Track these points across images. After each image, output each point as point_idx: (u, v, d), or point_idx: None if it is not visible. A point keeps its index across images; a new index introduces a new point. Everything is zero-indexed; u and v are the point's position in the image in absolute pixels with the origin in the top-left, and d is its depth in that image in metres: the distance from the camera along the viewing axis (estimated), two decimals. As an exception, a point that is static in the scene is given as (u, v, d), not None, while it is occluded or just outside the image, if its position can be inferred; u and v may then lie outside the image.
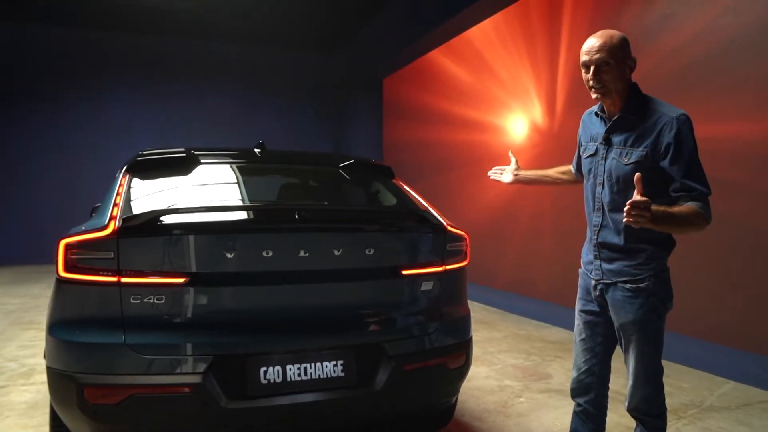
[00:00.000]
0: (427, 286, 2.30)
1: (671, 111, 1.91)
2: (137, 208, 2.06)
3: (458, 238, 2.42)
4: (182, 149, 2.62)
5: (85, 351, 1.90)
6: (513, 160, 2.55)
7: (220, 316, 2.01)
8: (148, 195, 2.26)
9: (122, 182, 2.29)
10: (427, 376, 2.24)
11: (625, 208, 1.74)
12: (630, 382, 2.05)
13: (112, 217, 2.00)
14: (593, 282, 2.09)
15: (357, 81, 10.39)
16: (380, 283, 2.23)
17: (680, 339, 4.28)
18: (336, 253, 2.10)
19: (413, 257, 2.30)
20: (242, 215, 2.16)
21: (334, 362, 2.07)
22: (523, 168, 2.55)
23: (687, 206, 1.85)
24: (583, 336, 2.17)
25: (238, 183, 2.55)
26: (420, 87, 9.09)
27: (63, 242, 1.94)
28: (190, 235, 1.97)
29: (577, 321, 2.21)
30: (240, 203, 2.38)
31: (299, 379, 2.01)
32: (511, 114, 6.83)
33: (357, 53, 10.25)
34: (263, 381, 1.97)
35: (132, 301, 1.91)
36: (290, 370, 2.01)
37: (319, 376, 2.03)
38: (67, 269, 1.93)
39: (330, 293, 2.15)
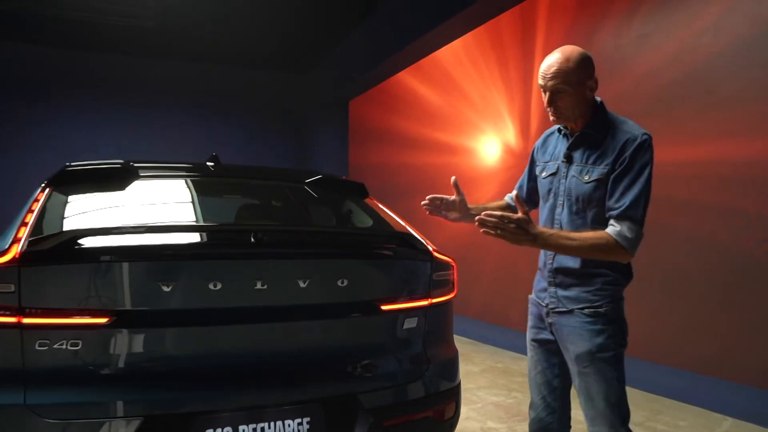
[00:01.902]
0: (410, 323, 1.93)
1: (636, 129, 1.78)
2: (50, 229, 1.64)
3: (446, 266, 2.07)
4: (119, 161, 2.21)
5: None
6: (459, 191, 2.00)
7: (154, 366, 1.58)
8: (69, 214, 1.84)
9: (38, 198, 1.86)
10: (413, 432, 1.86)
11: (481, 215, 1.62)
12: (590, 427, 1.78)
13: (16, 240, 1.57)
14: (546, 310, 1.90)
15: (322, 102, 10.09)
16: (355, 321, 1.85)
17: (672, 372, 4.02)
18: (301, 284, 1.71)
19: (395, 289, 1.93)
20: (184, 238, 1.73)
21: (299, 420, 1.66)
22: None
23: (597, 233, 1.71)
24: (539, 368, 1.96)
25: (184, 201, 2.15)
26: (387, 109, 8.86)
27: None
28: (115, 263, 1.55)
29: (530, 353, 2.01)
30: (181, 223, 1.94)
31: None
32: (482, 136, 6.61)
33: (322, 75, 9.97)
34: None
35: (37, 348, 1.48)
36: (243, 431, 1.59)
37: None
38: None
39: (293, 335, 1.74)
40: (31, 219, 1.69)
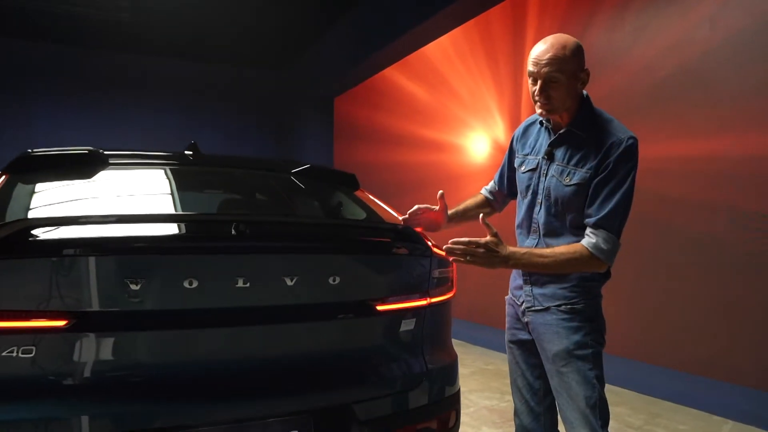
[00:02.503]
0: (408, 325, 1.76)
1: (621, 132, 1.67)
2: (3, 218, 1.44)
3: (446, 263, 1.91)
4: (86, 147, 2.00)
5: None
6: (443, 204, 1.94)
7: (122, 376, 1.39)
8: (27, 203, 1.64)
9: (-8, 185, 1.66)
10: (409, 446, 1.69)
11: (450, 243, 1.59)
12: (568, 430, 1.69)
13: (-41, 232, 1.36)
14: (521, 309, 1.83)
15: (307, 100, 9.89)
16: (348, 323, 1.66)
17: (670, 374, 3.91)
18: (288, 282, 1.52)
19: (392, 288, 1.75)
20: (155, 229, 1.52)
21: None
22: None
23: (570, 247, 1.65)
24: (519, 371, 1.88)
25: (159, 192, 1.95)
26: (374, 106, 8.69)
27: None
28: (75, 257, 1.35)
29: (510, 356, 1.93)
30: (152, 213, 1.70)
31: None
32: (471, 133, 6.48)
33: (307, 71, 9.77)
34: None
35: (-17, 356, 1.28)
36: None
37: None
38: None
39: (279, 339, 1.55)
40: (-20, 208, 1.49)
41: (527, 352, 1.85)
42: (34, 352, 1.31)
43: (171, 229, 1.54)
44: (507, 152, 2.03)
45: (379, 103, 8.57)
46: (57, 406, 1.32)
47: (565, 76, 1.63)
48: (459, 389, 1.95)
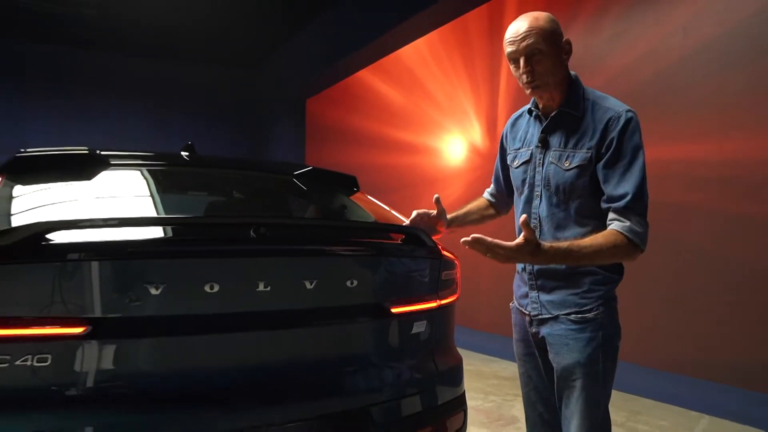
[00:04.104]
0: (419, 327, 1.76)
1: (619, 105, 1.57)
2: (8, 223, 1.38)
3: (452, 265, 1.92)
4: (83, 148, 1.93)
5: None
6: (440, 208, 1.84)
7: (141, 383, 1.35)
8: (29, 206, 1.57)
9: (-11, 188, 1.58)
10: (424, 448, 1.70)
11: (471, 239, 1.40)
12: None
13: (-34, 236, 1.30)
14: (528, 318, 1.71)
15: (278, 100, 9.79)
16: (365, 325, 1.66)
17: (647, 372, 4.04)
18: (308, 286, 1.51)
19: (404, 290, 1.75)
20: (174, 232, 1.49)
21: None
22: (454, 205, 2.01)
23: (605, 234, 1.49)
24: (531, 385, 1.77)
25: (162, 193, 1.90)
26: (347, 108, 8.68)
27: None
28: (93, 262, 1.30)
29: (521, 368, 1.81)
30: (171, 216, 1.68)
31: None
32: (447, 135, 6.54)
33: (278, 72, 9.67)
34: None
35: (-4, 365, 1.23)
36: None
37: None
38: None
39: (299, 343, 1.54)
40: (-18, 211, 1.43)
41: (540, 365, 1.74)
42: (49, 360, 1.26)
43: (190, 232, 1.50)
44: (498, 151, 1.92)
45: (352, 105, 8.56)
46: (73, 415, 1.28)
47: (546, 45, 1.54)
48: (464, 390, 1.96)
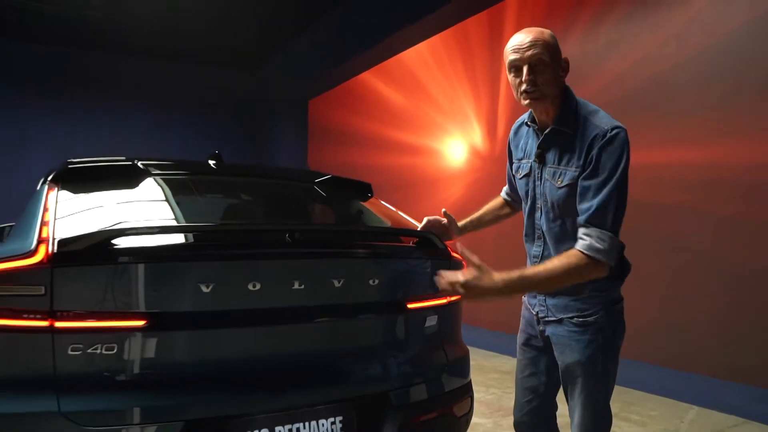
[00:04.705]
0: (431, 321, 1.97)
1: (605, 122, 1.60)
2: (76, 228, 1.57)
3: (460, 265, 2.11)
4: (124, 158, 2.13)
5: (3, 425, 1.37)
6: (449, 219, 1.99)
7: (192, 369, 1.54)
8: (86, 212, 1.76)
9: (49, 195, 1.77)
10: (436, 428, 1.90)
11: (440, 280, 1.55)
12: None
13: (41, 240, 1.49)
14: (536, 318, 1.83)
15: (281, 101, 9.93)
16: (385, 319, 1.87)
17: (637, 366, 4.24)
18: (336, 284, 1.71)
19: (419, 287, 1.96)
20: (222, 238, 1.70)
21: (332, 419, 1.67)
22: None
23: (564, 256, 1.54)
24: (526, 373, 1.89)
25: (199, 200, 2.10)
26: (349, 109, 8.84)
27: None
28: (151, 264, 1.50)
29: (519, 356, 1.94)
30: (217, 224, 1.90)
31: None
32: (448, 137, 6.72)
33: (281, 73, 9.82)
34: None
35: (70, 353, 1.42)
36: None
37: None
38: None
39: (329, 335, 1.75)
40: (50, 218, 1.62)
41: (537, 357, 1.86)
42: (115, 349, 1.45)
43: (235, 237, 1.70)
44: (507, 155, 1.97)
45: (354, 106, 8.72)
46: (135, 397, 1.47)
47: (549, 58, 1.59)
48: (470, 379, 2.16)
